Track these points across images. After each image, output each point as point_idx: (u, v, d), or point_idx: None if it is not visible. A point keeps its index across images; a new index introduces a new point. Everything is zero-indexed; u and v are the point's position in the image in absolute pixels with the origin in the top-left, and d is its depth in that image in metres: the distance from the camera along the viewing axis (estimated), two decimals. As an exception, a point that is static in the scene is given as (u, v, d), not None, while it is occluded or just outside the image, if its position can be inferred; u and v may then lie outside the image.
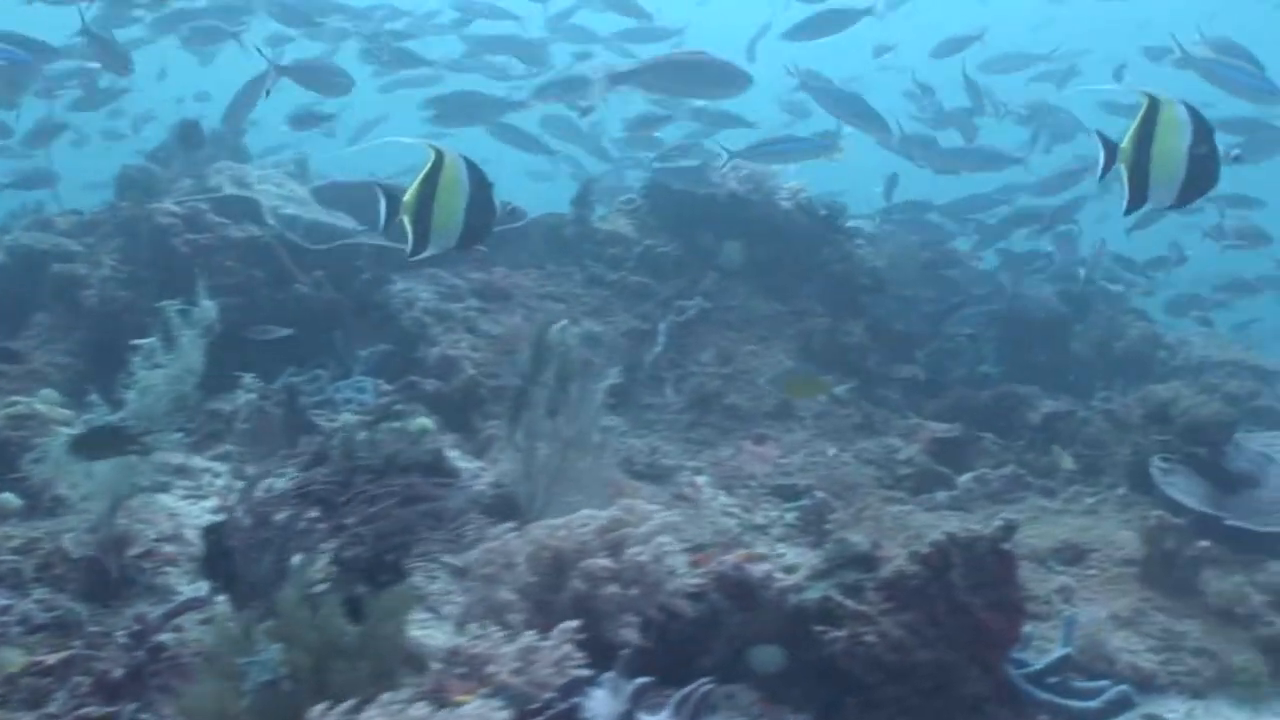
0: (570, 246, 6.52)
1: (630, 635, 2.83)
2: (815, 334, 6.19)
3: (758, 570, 3.09)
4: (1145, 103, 3.05)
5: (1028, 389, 6.45)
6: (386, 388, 5.20)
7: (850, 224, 6.80)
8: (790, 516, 4.96)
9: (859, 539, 3.23)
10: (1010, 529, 3.17)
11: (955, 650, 3.05)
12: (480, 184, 3.22)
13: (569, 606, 2.89)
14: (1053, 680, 3.23)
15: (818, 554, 3.33)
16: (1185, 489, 4.92)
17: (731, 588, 3.07)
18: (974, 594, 3.09)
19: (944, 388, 6.71)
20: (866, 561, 3.18)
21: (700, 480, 5.18)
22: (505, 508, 4.12)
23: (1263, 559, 4.62)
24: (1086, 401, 6.69)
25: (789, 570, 3.20)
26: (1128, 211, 3.19)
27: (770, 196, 6.55)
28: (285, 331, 5.19)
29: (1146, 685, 3.96)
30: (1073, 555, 4.71)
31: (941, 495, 5.28)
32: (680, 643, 3.01)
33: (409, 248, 3.24)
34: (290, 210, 6.20)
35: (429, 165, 3.20)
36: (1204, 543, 4.50)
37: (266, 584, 3.06)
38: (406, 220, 3.22)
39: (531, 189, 9.73)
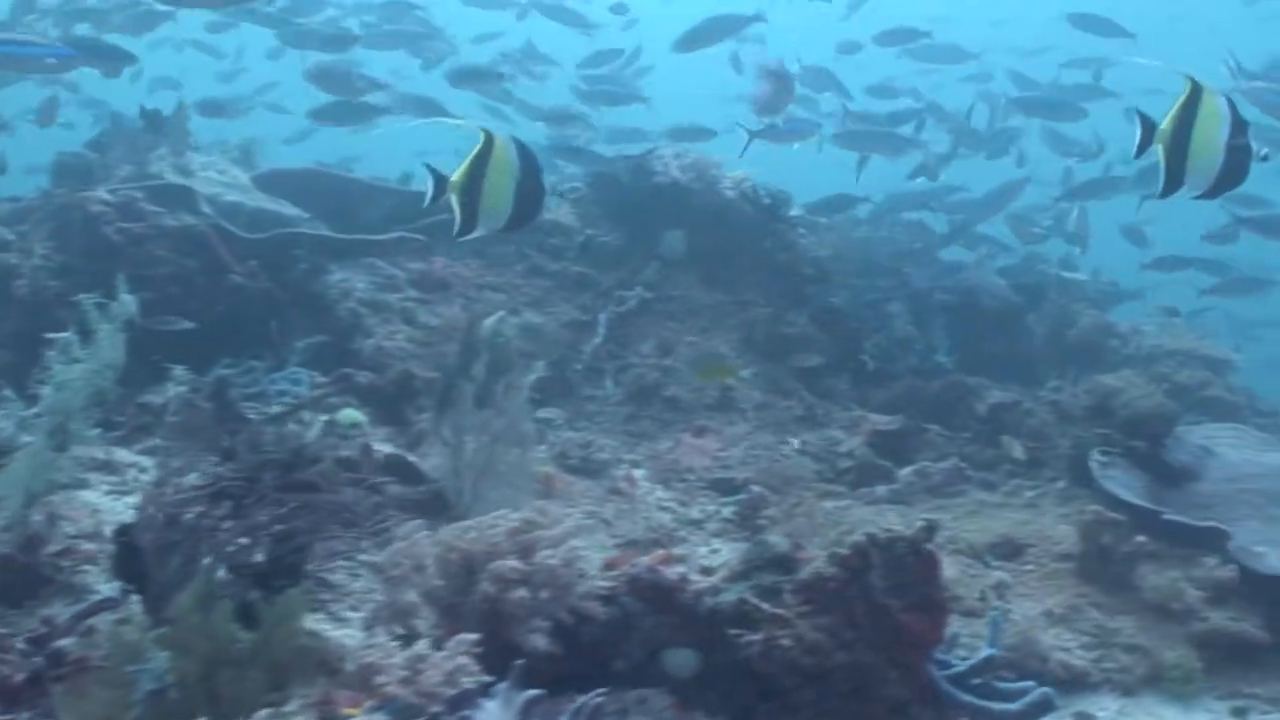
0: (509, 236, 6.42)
1: (540, 640, 2.77)
2: (757, 324, 6.13)
3: (673, 572, 3.03)
4: (1188, 89, 3.07)
5: (976, 380, 6.41)
6: (321, 380, 5.12)
7: (794, 213, 6.74)
8: (728, 511, 4.91)
9: (777, 540, 3.18)
10: (931, 529, 3.13)
11: (874, 652, 3.00)
12: (530, 166, 3.26)
13: (478, 610, 2.83)
14: (976, 681, 3.19)
15: (737, 555, 3.27)
16: (1124, 483, 4.89)
17: (645, 590, 3.01)
18: (894, 595, 3.04)
19: (894, 377, 6.67)
20: (785, 563, 3.12)
21: (637, 474, 5.13)
22: (435, 504, 4.07)
23: (1199, 553, 4.58)
24: (1036, 391, 6.67)
25: (707, 572, 3.13)
26: (1163, 194, 3.20)
27: (713, 185, 6.49)
28: (187, 324, 5.07)
29: (1079, 683, 3.94)
30: (1010, 550, 4.67)
31: (881, 489, 5.23)
32: (592, 647, 2.94)
33: (456, 227, 3.29)
34: (232, 198, 6.10)
35: (479, 146, 3.23)
36: (1140, 538, 4.47)
37: (174, 586, 2.99)
38: (454, 200, 3.25)
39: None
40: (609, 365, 5.88)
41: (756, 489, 4.89)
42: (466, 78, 6.76)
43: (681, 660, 2.98)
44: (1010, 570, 4.55)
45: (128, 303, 3.69)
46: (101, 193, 5.61)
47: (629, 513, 4.64)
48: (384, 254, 5.83)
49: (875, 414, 5.81)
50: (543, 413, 5.50)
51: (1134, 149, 3.19)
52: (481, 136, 3.26)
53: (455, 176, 3.25)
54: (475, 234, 3.33)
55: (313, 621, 2.85)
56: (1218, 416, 7.29)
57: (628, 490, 4.86)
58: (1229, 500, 4.90)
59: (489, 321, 5.43)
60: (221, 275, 5.45)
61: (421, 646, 2.48)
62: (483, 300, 5.80)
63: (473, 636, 2.55)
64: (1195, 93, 3.08)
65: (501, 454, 4.03)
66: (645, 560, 3.03)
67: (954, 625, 4.05)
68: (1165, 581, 4.38)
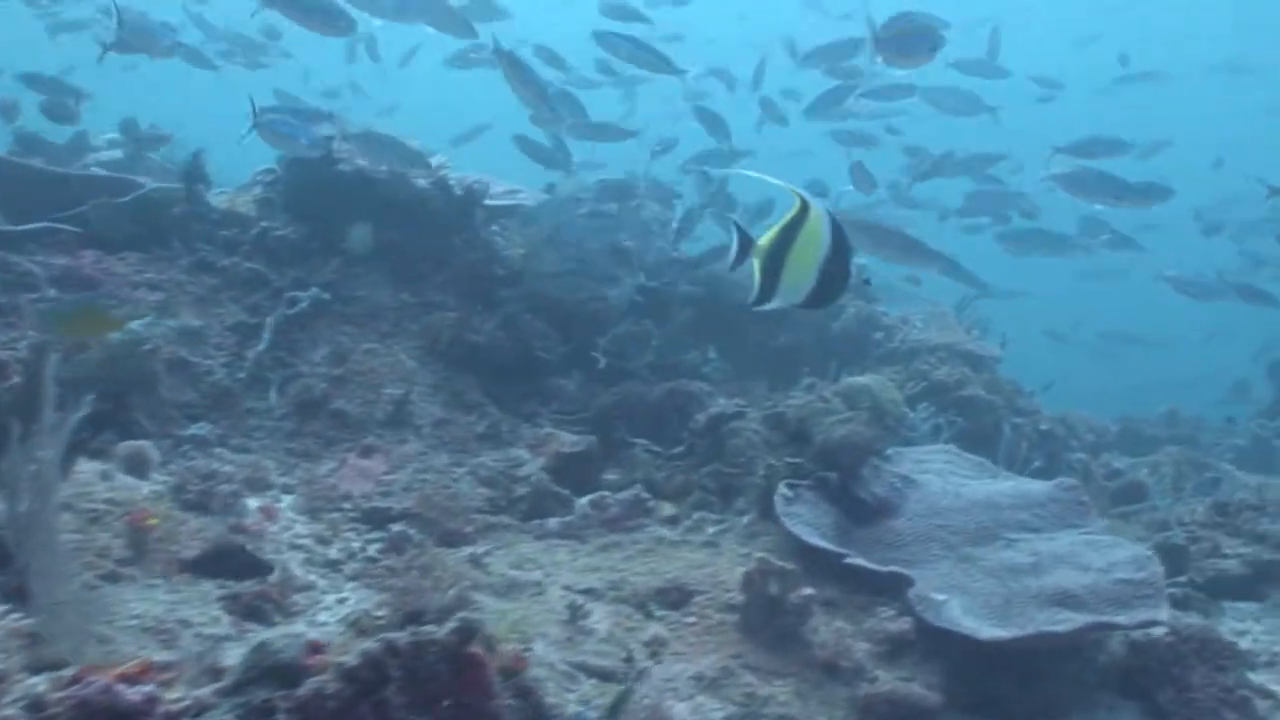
0: (178, 227, 5.77)
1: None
2: (442, 330, 5.58)
3: (137, 692, 2.48)
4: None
5: (698, 385, 5.96)
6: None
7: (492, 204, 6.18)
8: (374, 549, 4.39)
9: (285, 640, 2.65)
10: (469, 631, 2.63)
11: (391, 783, 2.51)
12: (840, 244, 3.07)
13: None
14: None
15: (238, 663, 2.73)
16: (809, 520, 4.46)
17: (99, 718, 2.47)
18: (419, 713, 2.55)
19: (628, 375, 6.22)
20: (287, 674, 2.60)
21: (280, 505, 4.58)
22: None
23: (878, 602, 4.18)
24: (789, 392, 6.25)
25: (193, 684, 2.60)
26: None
27: (403, 174, 5.90)
28: None
29: (714, 763, 3.51)
30: (678, 598, 4.20)
31: (554, 522, 4.74)
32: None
33: (754, 296, 3.14)
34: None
35: (792, 214, 3.08)
36: (808, 590, 4.03)
37: None
38: (756, 266, 3.10)
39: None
40: (274, 374, 5.29)
41: (398, 528, 4.37)
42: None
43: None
44: (671, 623, 4.08)
45: None
46: None
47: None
48: (19, 248, 5.17)
49: (564, 432, 5.30)
50: (193, 428, 4.93)
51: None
52: (796, 203, 3.07)
53: (762, 241, 3.09)
54: (771, 306, 3.16)
55: None
56: (971, 416, 7.00)
57: (256, 528, 4.30)
58: (923, 538, 4.51)
59: (135, 326, 4.88)
60: None
61: None
62: (134, 300, 5.16)
63: None
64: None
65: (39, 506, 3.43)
66: (99, 678, 2.48)
67: (592, 695, 3.66)
68: (832, 637, 3.96)
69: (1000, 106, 8.72)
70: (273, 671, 2.61)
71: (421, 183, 5.86)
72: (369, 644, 2.58)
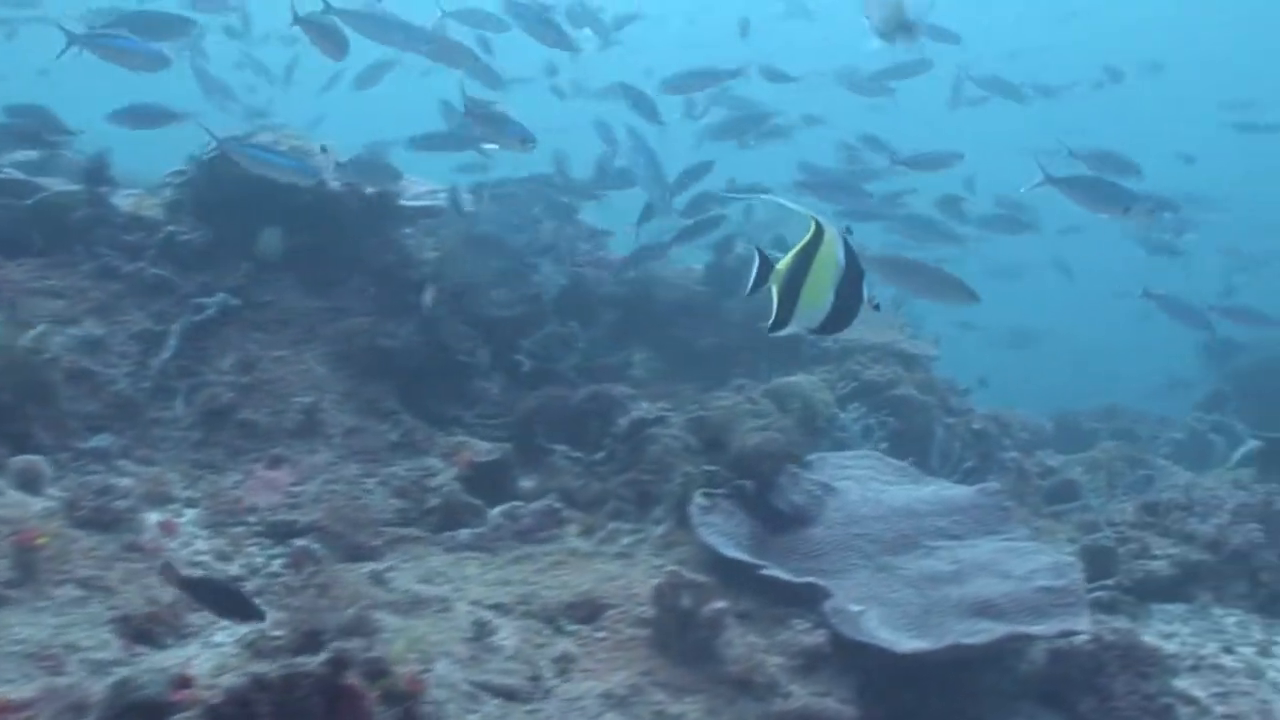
0: (81, 231, 5.59)
1: None
2: (355, 336, 5.43)
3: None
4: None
5: (620, 389, 5.85)
6: None
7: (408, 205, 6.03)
8: (278, 564, 4.26)
9: (148, 678, 2.53)
10: (344, 661, 2.51)
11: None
12: (853, 268, 3.06)
13: None
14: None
15: (100, 698, 2.60)
16: (724, 530, 4.36)
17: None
18: (289, 751, 2.43)
19: (554, 378, 6.10)
20: (150, 712, 2.47)
21: (181, 520, 4.44)
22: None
23: (794, 614, 4.08)
24: (716, 393, 6.15)
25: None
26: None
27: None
28: None
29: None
30: (589, 612, 4.09)
31: (465, 534, 4.62)
32: None
33: (771, 321, 3.09)
34: None
35: (807, 238, 3.05)
36: (720, 603, 3.92)
37: None
38: (774, 291, 3.06)
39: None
40: (180, 383, 5.13)
41: (299, 543, 4.24)
42: None
43: None
44: (582, 638, 3.97)
45: None
46: None
47: (143, 574, 3.94)
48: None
49: (479, 440, 5.17)
50: (94, 440, 4.78)
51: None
52: (811, 227, 3.05)
53: (780, 265, 3.05)
54: (787, 331, 3.11)
55: None
56: (905, 416, 6.92)
57: (152, 546, 4.15)
58: (842, 547, 4.42)
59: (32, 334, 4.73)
60: None
61: None
62: (31, 308, 5.00)
63: None
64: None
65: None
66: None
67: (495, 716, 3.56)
68: (744, 651, 3.87)
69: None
70: (135, 709, 2.49)
71: (333, 184, 5.71)
72: (235, 679, 2.46)
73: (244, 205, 5.70)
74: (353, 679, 2.54)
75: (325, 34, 5.67)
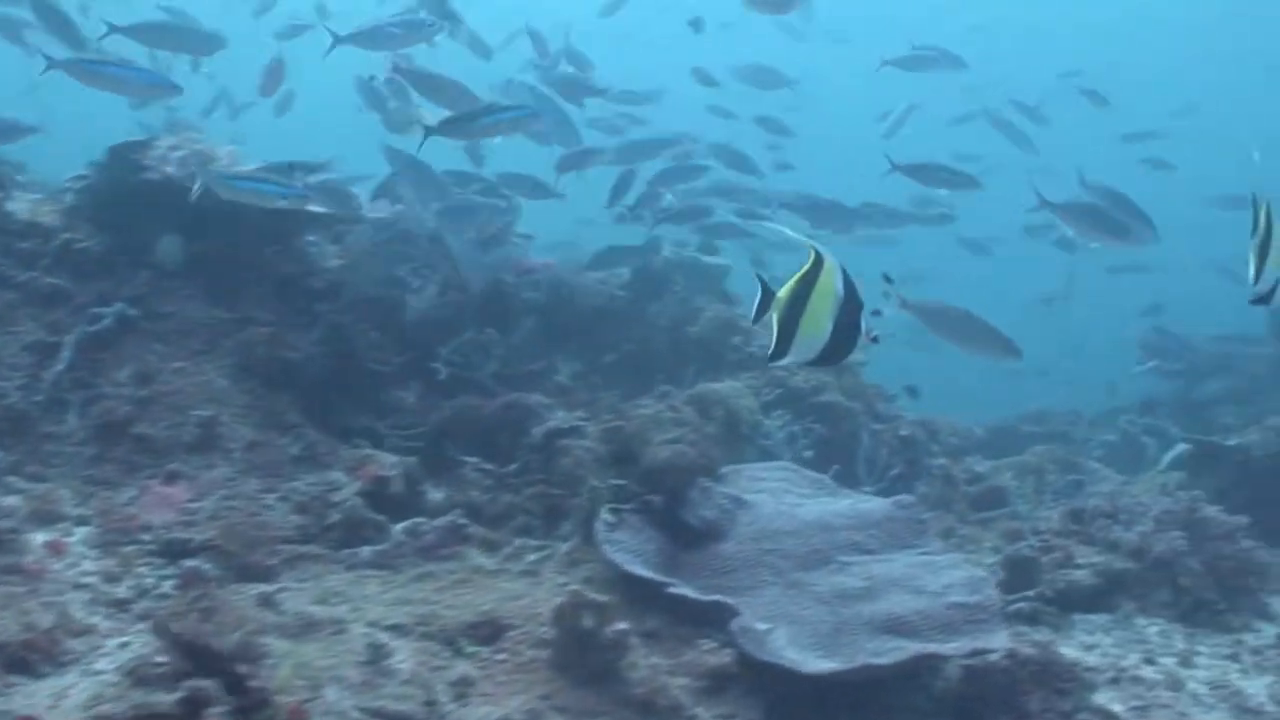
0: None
1: None
2: (256, 346, 5.26)
3: None
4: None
5: (536, 398, 5.72)
6: None
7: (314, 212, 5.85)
8: (169, 585, 4.11)
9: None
10: (200, 700, 2.37)
11: None
12: (851, 298, 3.02)
13: None
14: None
15: None
16: (632, 547, 4.23)
17: None
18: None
19: (472, 386, 5.98)
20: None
21: (71, 539, 4.27)
22: None
23: (700, 633, 3.97)
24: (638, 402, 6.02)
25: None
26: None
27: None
28: None
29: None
30: (489, 632, 3.95)
31: (367, 551, 4.47)
32: None
33: (770, 351, 3.04)
34: None
35: (807, 267, 3.01)
36: (623, 624, 3.80)
37: None
38: (774, 320, 3.01)
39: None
40: (74, 396, 4.96)
41: (191, 563, 4.09)
42: None
43: None
44: (482, 660, 3.84)
45: None
46: None
47: (22, 598, 3.77)
48: None
49: (384, 453, 5.02)
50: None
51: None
52: (810, 256, 3.01)
53: (780, 293, 3.00)
54: (786, 361, 3.07)
55: None
56: (831, 422, 6.84)
57: (35, 569, 3.99)
58: (753, 564, 4.31)
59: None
60: None
61: None
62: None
63: None
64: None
65: None
66: None
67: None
68: (647, 673, 3.75)
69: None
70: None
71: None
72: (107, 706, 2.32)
73: (144, 212, 5.52)
74: (214, 714, 2.40)
75: None
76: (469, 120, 5.74)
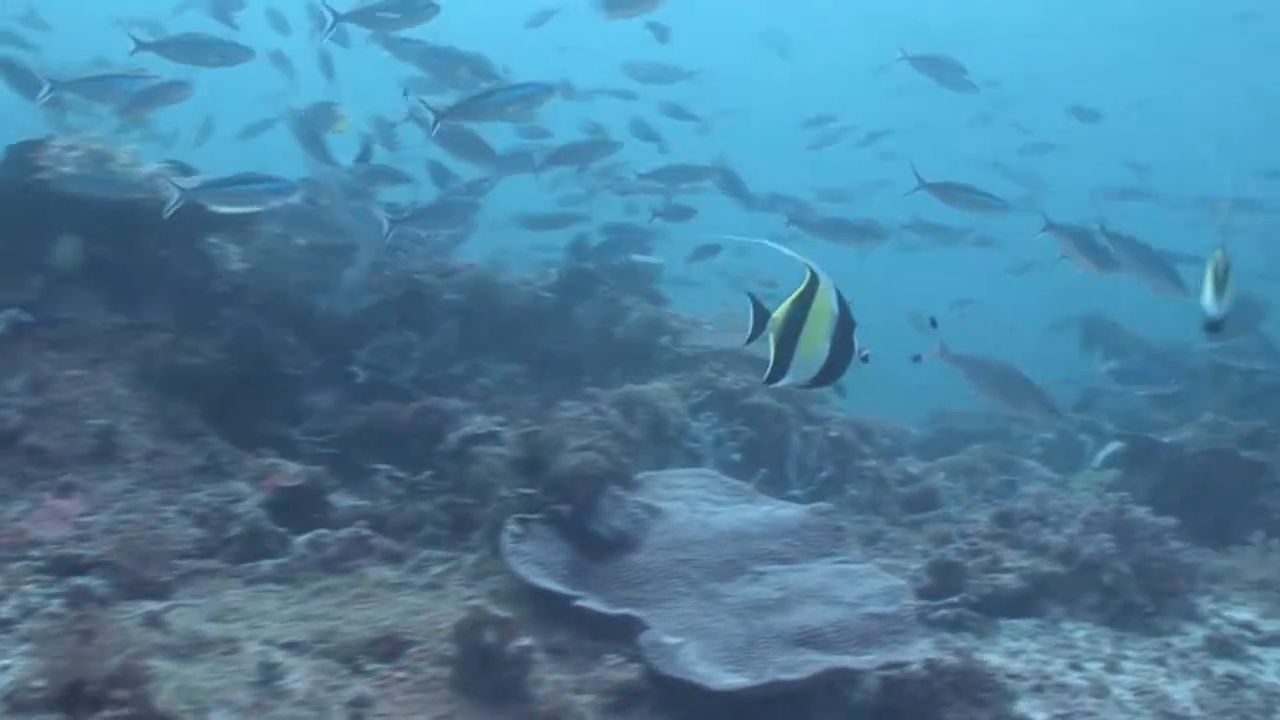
0: None
1: None
2: (156, 353, 5.09)
3: None
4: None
5: (453, 402, 5.60)
6: None
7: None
8: (57, 604, 3.94)
9: None
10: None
11: None
12: (846, 317, 2.97)
13: None
14: None
15: None
16: (539, 558, 4.10)
17: None
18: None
19: (390, 390, 5.85)
20: None
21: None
22: None
23: (609, 648, 3.85)
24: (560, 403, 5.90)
25: None
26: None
27: (116, 180, 5.38)
28: None
29: None
30: (390, 649, 3.80)
31: (267, 564, 4.32)
32: None
33: (768, 373, 3.00)
34: None
35: (803, 286, 2.96)
36: (526, 640, 3.66)
37: None
38: (772, 341, 2.96)
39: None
40: (-38, 407, 4.78)
41: (79, 581, 3.92)
42: None
43: None
44: (380, 679, 3.69)
45: None
46: None
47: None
48: None
49: (293, 462, 4.87)
50: None
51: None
52: (806, 275, 2.95)
53: (776, 314, 2.95)
54: (783, 383, 3.02)
55: None
56: (759, 426, 6.75)
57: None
58: (665, 574, 4.19)
59: None
60: None
61: None
62: None
63: None
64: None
65: None
66: None
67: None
68: (552, 690, 3.61)
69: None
70: None
71: (139, 193, 5.35)
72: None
73: (39, 214, 5.34)
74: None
75: None
76: (479, 101, 5.86)
